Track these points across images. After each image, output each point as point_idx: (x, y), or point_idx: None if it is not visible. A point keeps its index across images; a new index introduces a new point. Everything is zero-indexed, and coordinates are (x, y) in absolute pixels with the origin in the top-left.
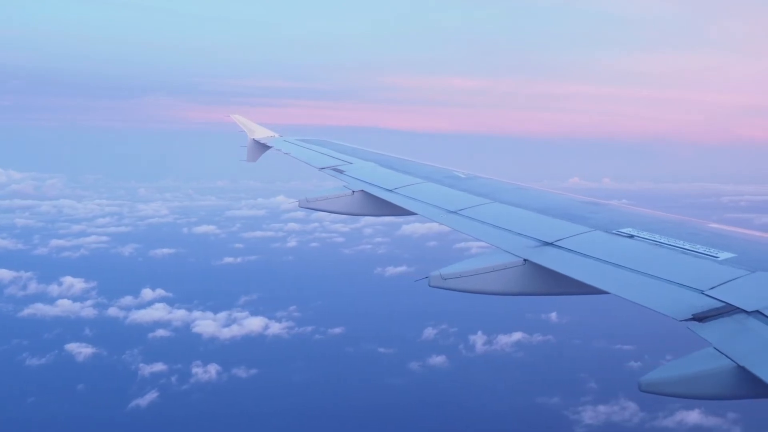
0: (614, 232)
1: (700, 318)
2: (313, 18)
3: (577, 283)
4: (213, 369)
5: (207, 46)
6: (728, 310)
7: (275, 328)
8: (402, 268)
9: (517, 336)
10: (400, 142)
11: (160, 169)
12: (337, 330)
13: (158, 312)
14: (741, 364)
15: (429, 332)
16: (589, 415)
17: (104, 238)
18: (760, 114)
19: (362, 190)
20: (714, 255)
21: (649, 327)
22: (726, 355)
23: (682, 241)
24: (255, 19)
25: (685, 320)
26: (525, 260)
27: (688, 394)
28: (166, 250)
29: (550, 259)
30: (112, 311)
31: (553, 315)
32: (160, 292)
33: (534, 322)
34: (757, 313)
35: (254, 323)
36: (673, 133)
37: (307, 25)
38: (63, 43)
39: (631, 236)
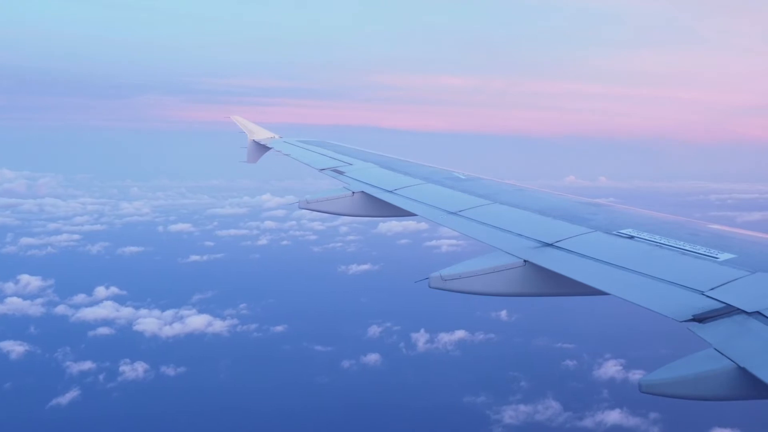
0: (614, 233)
1: (701, 319)
2: (309, 17)
3: (578, 284)
4: (140, 367)
5: (201, 46)
6: (728, 311)
7: (217, 326)
8: (366, 266)
9: (460, 334)
10: (394, 141)
11: (155, 168)
12: (279, 328)
13: (105, 310)
14: (741, 365)
15: (374, 330)
16: (510, 414)
17: (75, 237)
18: (756, 113)
19: (362, 191)
20: (714, 256)
21: (594, 327)
22: (726, 356)
23: (682, 242)
24: (251, 19)
25: (686, 321)
26: (525, 261)
27: (689, 395)
28: (133, 249)
29: (550, 260)
30: (60, 309)
31: (503, 313)
32: (113, 290)
33: (482, 321)
34: (757, 314)
35: (197, 321)
36: (669, 131)
37: (301, 25)
38: (60, 43)
39: (631, 237)
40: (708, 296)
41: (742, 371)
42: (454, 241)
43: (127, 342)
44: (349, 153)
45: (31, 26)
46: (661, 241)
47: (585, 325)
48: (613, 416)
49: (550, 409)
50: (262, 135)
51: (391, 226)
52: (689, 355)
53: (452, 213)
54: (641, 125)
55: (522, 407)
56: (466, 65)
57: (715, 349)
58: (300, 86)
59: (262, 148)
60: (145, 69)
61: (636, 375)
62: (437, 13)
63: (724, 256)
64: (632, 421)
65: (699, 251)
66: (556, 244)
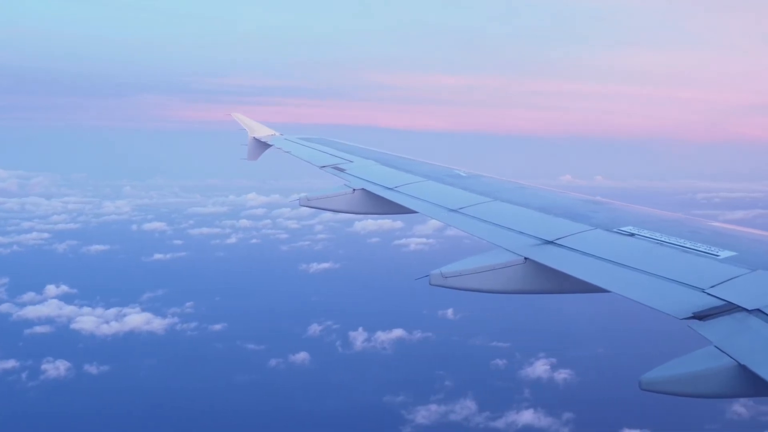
0: (615, 230)
1: (701, 316)
2: (308, 17)
3: (578, 281)
4: (62, 366)
5: (201, 46)
6: (729, 308)
7: (156, 324)
8: (327, 265)
9: (397, 333)
10: (393, 140)
11: (154, 167)
12: (217, 327)
13: (47, 308)
14: (742, 362)
15: (314, 329)
16: (423, 414)
17: (45, 235)
18: (756, 112)
19: (363, 189)
20: (715, 253)
21: (537, 325)
22: (727, 354)
23: (682, 240)
24: (250, 19)
25: (686, 319)
26: (526, 259)
27: (689, 392)
28: (99, 247)
29: (551, 258)
30: (4, 307)
31: (450, 311)
32: (64, 288)
33: (428, 319)
34: (757, 312)
35: (136, 320)
36: (668, 131)
37: (300, 24)
38: (60, 43)
39: (632, 234)
40: (708, 294)
41: (743, 369)
42: (423, 240)
43: (61, 340)
44: (349, 150)
45: (30, 26)
46: (662, 239)
47: (528, 323)
48: (526, 416)
49: (466, 409)
50: (263, 132)
51: (366, 224)
52: (690, 352)
53: (453, 210)
54: (640, 125)
55: (437, 407)
56: (464, 64)
57: (716, 347)
58: (299, 85)
59: (262, 145)
60: (145, 69)
61: (562, 374)
62: (435, 12)
63: (724, 254)
64: (545, 421)
65: (700, 249)
66: (556, 242)
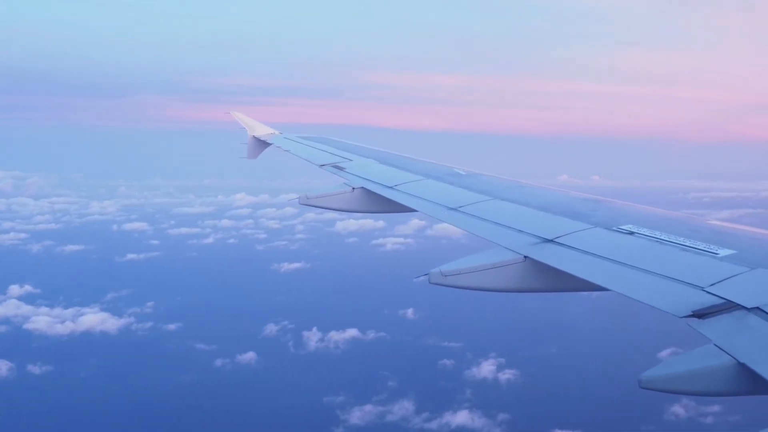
0: (614, 228)
1: (701, 315)
2: (305, 16)
3: (578, 279)
4: (5, 366)
5: (201, 46)
6: (728, 306)
7: (110, 324)
8: (298, 265)
9: (351, 333)
10: (389, 140)
11: (152, 167)
12: (171, 326)
13: (5, 309)
14: (741, 360)
15: (270, 328)
16: (358, 415)
17: (22, 235)
18: (756, 112)
19: (362, 187)
20: (714, 252)
21: (493, 325)
22: (726, 352)
23: (682, 238)
24: (249, 19)
25: (686, 317)
26: (525, 257)
27: (688, 390)
28: (74, 247)
29: (550, 256)
30: None
31: (410, 311)
32: (27, 288)
33: (388, 319)
34: (757, 310)
35: (91, 320)
36: (667, 130)
37: (298, 24)
38: (59, 42)
39: (631, 233)
40: (708, 292)
41: (742, 367)
42: (401, 240)
43: (14, 340)
44: (349, 149)
45: (30, 26)
46: (661, 237)
47: (486, 322)
48: (461, 417)
49: (404, 409)
50: (263, 131)
51: (347, 224)
52: (689, 350)
53: (452, 209)
54: (639, 125)
55: (373, 408)
56: (463, 64)
57: (715, 345)
58: (299, 85)
59: (262, 144)
60: (144, 68)
61: (506, 375)
62: (435, 12)
63: (724, 252)
64: (479, 422)
65: (699, 247)
66: (556, 240)
